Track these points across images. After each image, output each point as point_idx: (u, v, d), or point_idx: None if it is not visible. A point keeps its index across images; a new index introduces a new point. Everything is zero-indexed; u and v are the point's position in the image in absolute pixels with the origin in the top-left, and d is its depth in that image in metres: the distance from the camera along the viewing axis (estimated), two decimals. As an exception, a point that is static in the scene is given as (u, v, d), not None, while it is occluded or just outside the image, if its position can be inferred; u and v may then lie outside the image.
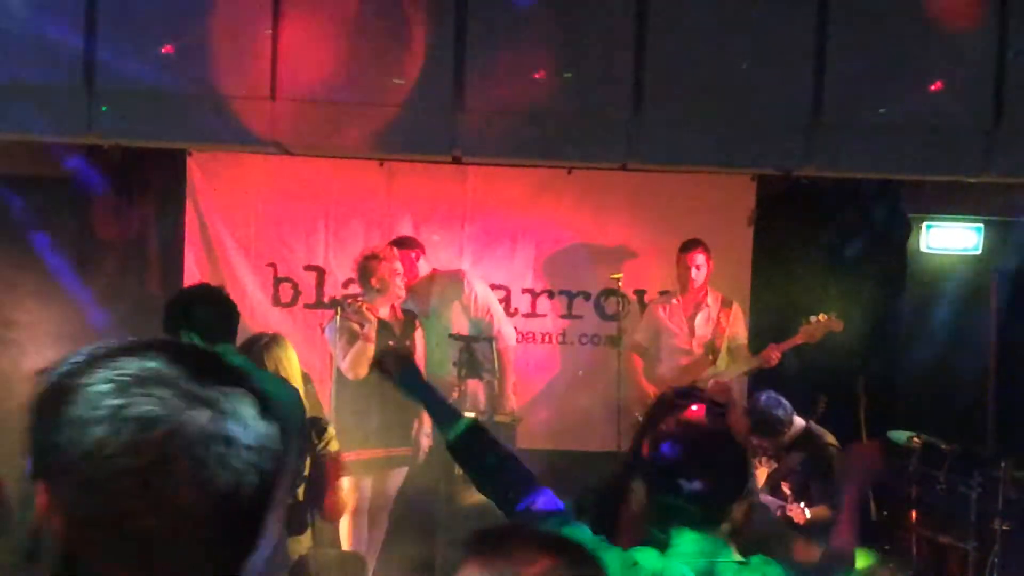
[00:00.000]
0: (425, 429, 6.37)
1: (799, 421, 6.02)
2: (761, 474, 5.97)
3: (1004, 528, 6.10)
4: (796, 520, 5.67)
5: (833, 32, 6.20)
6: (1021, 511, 6.13)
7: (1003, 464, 6.18)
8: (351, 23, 6.17)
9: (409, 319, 6.60)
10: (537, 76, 6.15)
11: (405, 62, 6.12)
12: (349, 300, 6.47)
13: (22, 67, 6.02)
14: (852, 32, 6.26)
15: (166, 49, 6.01)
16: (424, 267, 6.73)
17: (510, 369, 6.62)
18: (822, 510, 5.77)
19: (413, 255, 6.67)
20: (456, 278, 6.71)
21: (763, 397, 6.05)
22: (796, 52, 6.23)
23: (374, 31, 6.15)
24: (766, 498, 5.75)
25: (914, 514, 6.50)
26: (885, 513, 6.58)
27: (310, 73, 6.15)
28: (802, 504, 5.68)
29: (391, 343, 6.36)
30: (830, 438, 6.02)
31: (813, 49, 6.23)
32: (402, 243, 6.68)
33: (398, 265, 6.52)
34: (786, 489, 5.81)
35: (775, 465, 5.98)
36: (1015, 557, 6.09)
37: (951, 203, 7.31)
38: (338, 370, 6.22)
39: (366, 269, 6.40)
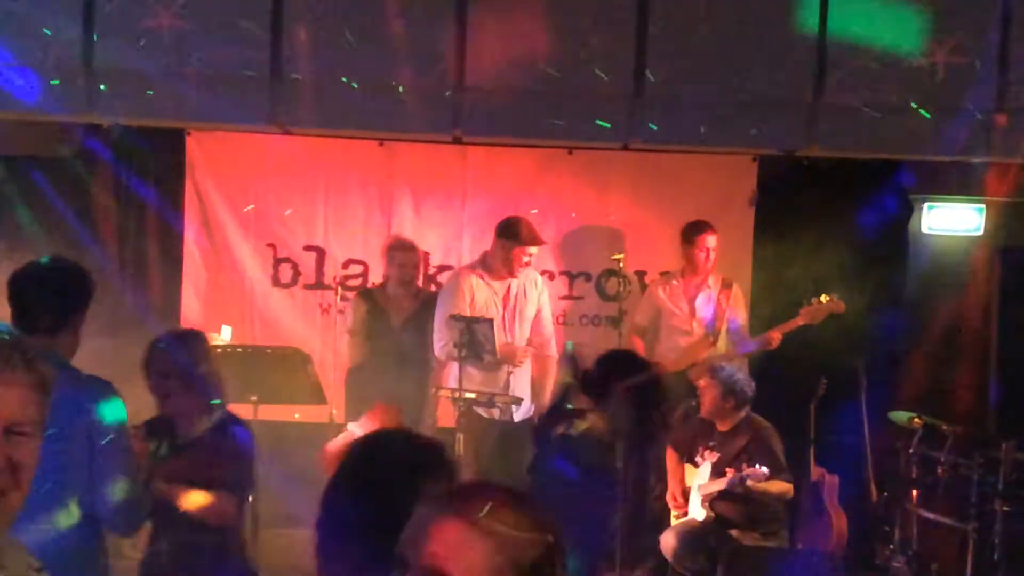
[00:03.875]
0: (430, 412, 6.40)
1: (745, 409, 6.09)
2: (706, 467, 6.02)
3: (1005, 509, 6.11)
4: (757, 479, 5.69)
5: (834, 11, 6.16)
6: (1022, 492, 6.14)
7: (1004, 445, 6.18)
8: (351, 1, 6.14)
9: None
10: (538, 55, 6.11)
11: (405, 41, 6.08)
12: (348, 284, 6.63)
13: (23, 47, 5.99)
14: (853, 12, 6.22)
15: (165, 27, 5.97)
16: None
17: (550, 376, 6.61)
18: (780, 484, 5.82)
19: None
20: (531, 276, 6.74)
21: (731, 368, 6.17)
22: (797, 31, 6.19)
23: (374, 9, 6.11)
24: (729, 474, 5.83)
25: (915, 495, 6.51)
26: (886, 494, 6.59)
27: (310, 52, 6.11)
28: (758, 465, 5.70)
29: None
30: (763, 421, 6.07)
31: (814, 29, 6.19)
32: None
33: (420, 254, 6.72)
34: (730, 474, 5.85)
35: (718, 456, 6.02)
36: (1016, 538, 6.09)
37: (953, 183, 7.28)
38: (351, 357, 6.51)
39: (392, 257, 6.49)
